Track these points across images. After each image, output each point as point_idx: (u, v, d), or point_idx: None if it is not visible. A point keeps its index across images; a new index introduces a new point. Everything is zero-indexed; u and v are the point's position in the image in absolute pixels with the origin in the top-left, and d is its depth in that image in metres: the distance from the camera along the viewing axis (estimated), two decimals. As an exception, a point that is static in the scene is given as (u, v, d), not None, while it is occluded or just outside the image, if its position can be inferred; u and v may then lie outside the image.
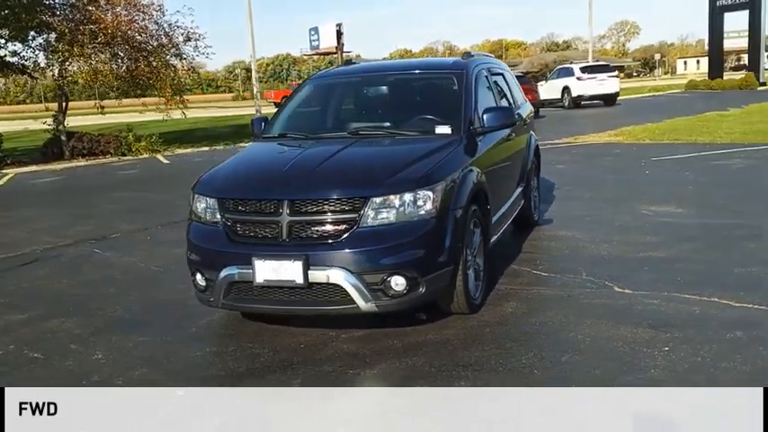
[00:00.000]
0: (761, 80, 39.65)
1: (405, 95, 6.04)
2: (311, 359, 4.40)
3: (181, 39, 20.92)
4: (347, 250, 4.28)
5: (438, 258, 4.44)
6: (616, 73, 31.67)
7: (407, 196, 4.36)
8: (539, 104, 25.72)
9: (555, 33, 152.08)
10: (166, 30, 20.63)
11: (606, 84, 29.57)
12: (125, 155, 20.57)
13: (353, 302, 4.30)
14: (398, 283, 4.30)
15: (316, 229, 4.36)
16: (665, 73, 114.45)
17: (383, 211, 4.33)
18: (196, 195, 4.86)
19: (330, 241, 4.34)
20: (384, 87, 6.15)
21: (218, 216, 4.63)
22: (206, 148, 22.01)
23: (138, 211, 10.66)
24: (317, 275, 4.28)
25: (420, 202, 4.38)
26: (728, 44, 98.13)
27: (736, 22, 41.85)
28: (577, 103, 29.85)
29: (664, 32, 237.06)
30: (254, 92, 27.77)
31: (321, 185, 4.47)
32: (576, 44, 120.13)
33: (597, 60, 39.64)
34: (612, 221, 7.69)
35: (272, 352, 4.55)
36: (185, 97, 22.39)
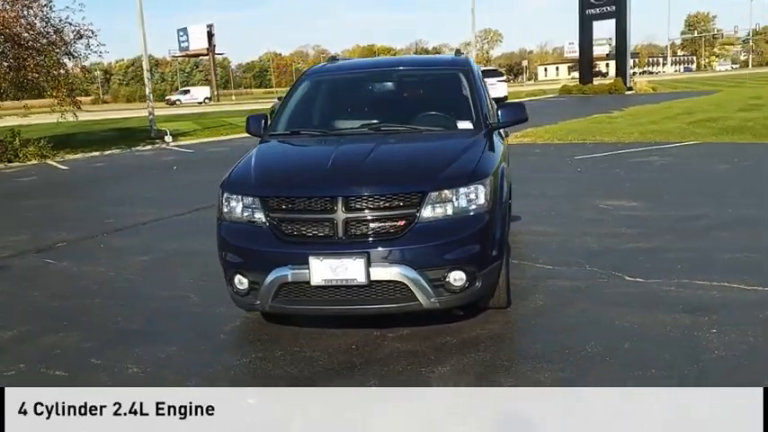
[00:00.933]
0: (628, 85, 42.42)
1: (413, 91, 6.02)
2: (373, 359, 4.29)
3: (71, 36, 19.68)
4: (409, 246, 4.20)
5: (492, 252, 4.45)
6: (505, 77, 32.90)
7: (462, 190, 4.34)
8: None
9: (422, 40, 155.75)
10: (56, 26, 19.34)
11: (497, 88, 30.67)
12: (11, 161, 19.14)
13: (416, 299, 4.23)
14: (459, 278, 4.27)
15: (373, 225, 4.25)
16: (529, 79, 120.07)
17: (439, 206, 4.28)
18: (229, 195, 4.61)
19: (389, 238, 4.24)
20: (390, 83, 6.06)
21: (261, 215, 4.41)
22: (96, 153, 20.93)
23: (67, 220, 9.98)
24: (379, 273, 4.17)
25: (473, 196, 4.36)
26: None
27: (595, 31, 44.37)
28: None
29: (524, 40, 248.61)
30: (147, 93, 26.52)
31: (375, 181, 4.36)
32: (444, 50, 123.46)
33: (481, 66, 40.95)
34: (579, 216, 7.98)
35: (326, 354, 4.40)
36: (78, 99, 21.09)
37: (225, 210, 4.63)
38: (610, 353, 4.16)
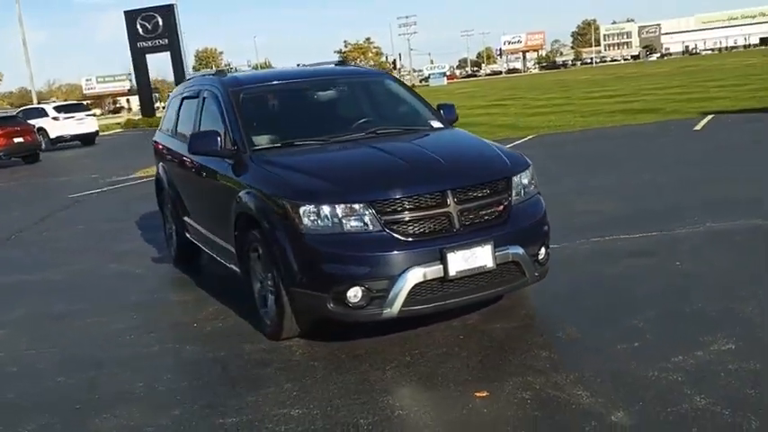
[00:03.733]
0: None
1: (363, 97, 6.11)
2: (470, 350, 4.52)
3: None
4: (515, 228, 4.57)
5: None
6: (92, 112, 31.03)
7: (526, 174, 4.86)
8: (39, 146, 23.77)
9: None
10: None
11: (86, 123, 28.83)
12: None
13: (525, 276, 4.60)
14: (544, 252, 4.79)
15: (482, 213, 4.49)
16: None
17: (516, 190, 4.73)
18: (316, 205, 4.30)
19: (498, 222, 4.54)
20: (334, 91, 6.06)
21: (371, 219, 4.27)
22: None
23: None
24: (502, 256, 4.45)
25: (532, 179, 4.91)
26: (109, 87, 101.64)
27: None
28: (55, 143, 28.28)
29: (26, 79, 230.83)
30: None
31: (471, 172, 4.60)
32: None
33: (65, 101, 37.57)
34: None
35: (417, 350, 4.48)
36: None
37: (308, 221, 4.30)
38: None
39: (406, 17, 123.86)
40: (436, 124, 5.68)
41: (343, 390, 3.99)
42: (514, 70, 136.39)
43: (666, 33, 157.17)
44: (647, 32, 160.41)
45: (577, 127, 17.81)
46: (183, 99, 6.96)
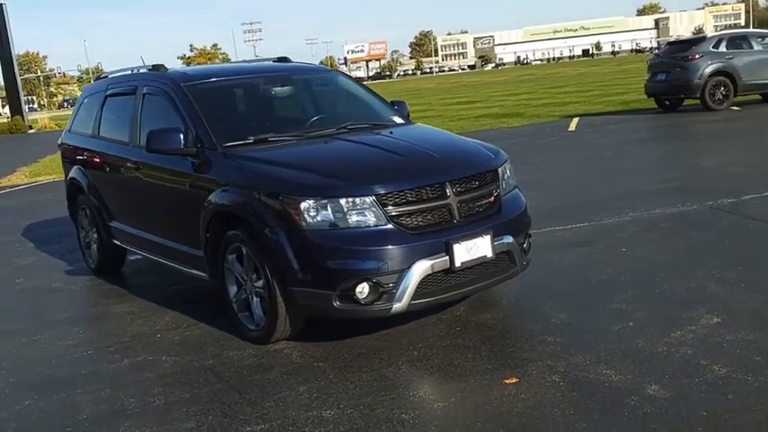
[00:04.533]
0: (28, 123, 40.47)
1: (321, 93, 5.98)
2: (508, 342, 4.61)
3: None
4: (506, 218, 4.66)
5: None
6: None
7: (506, 167, 4.98)
8: None
9: None
10: None
11: None
12: None
13: (515, 265, 4.70)
14: (527, 243, 4.93)
15: (476, 204, 4.54)
16: None
17: (501, 182, 4.84)
18: (319, 200, 4.17)
19: (491, 213, 4.62)
20: (289, 87, 5.87)
21: (376, 213, 4.20)
22: None
23: None
24: (499, 246, 4.52)
25: (510, 172, 5.03)
26: None
27: None
28: None
29: None
30: None
31: (463, 165, 4.62)
32: None
33: None
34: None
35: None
36: None
37: (310, 217, 4.17)
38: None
39: (251, 23, 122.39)
40: (398, 119, 5.66)
41: (365, 388, 3.88)
42: (359, 79, 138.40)
43: (499, 44, 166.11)
44: (481, 43, 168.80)
45: (455, 130, 18.34)
46: (107, 97, 6.48)
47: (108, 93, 6.49)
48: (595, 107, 20.60)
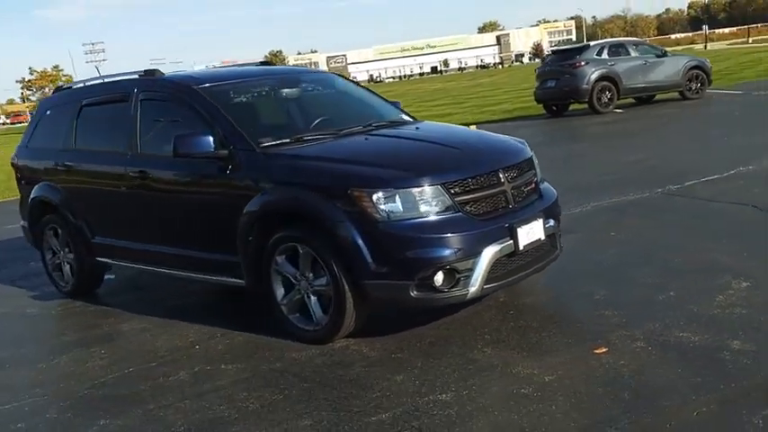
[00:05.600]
0: None
1: (330, 93, 5.97)
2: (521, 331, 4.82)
3: None
4: (548, 204, 4.89)
5: None
6: None
7: (535, 156, 5.22)
8: None
9: None
10: None
11: None
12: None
13: (556, 249, 4.95)
14: (559, 229, 5.18)
15: (524, 189, 4.75)
16: None
17: (537, 170, 5.07)
18: (388, 192, 4.19)
19: (535, 198, 4.85)
20: (299, 88, 5.79)
21: (445, 201, 4.28)
22: None
23: None
24: (547, 229, 4.76)
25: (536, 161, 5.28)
26: None
27: None
28: None
29: None
30: None
31: (507, 153, 4.81)
32: None
33: None
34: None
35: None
36: None
37: (384, 208, 4.21)
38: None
39: (92, 44, 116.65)
40: (407, 117, 5.77)
41: (463, 371, 3.95)
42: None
43: (352, 63, 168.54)
44: (335, 62, 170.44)
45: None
46: (84, 107, 6.14)
47: (85, 102, 6.14)
48: (482, 116, 21.41)
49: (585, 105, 17.82)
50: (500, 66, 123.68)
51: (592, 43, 19.12)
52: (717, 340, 3.94)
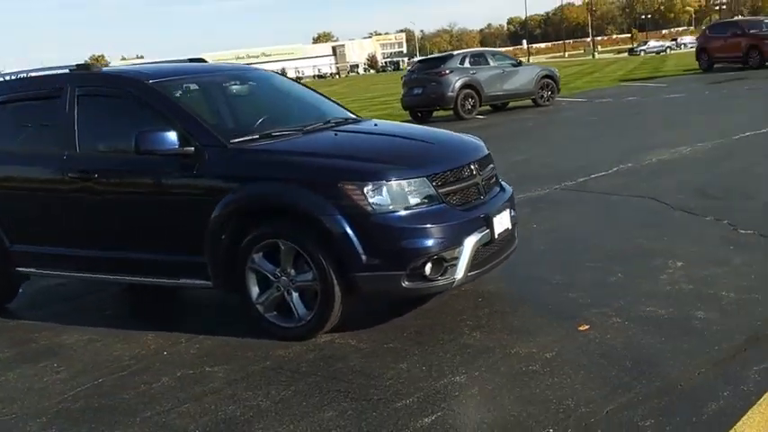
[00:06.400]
0: None
1: (277, 90, 5.89)
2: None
3: None
4: (509, 195, 5.17)
5: None
6: None
7: None
8: None
9: None
10: None
11: None
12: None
13: (515, 238, 5.24)
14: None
15: (490, 182, 5.00)
16: None
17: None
18: (378, 184, 4.25)
19: (498, 190, 5.11)
20: (247, 85, 5.69)
21: (430, 192, 4.40)
22: None
23: None
24: (512, 219, 5.02)
25: None
26: None
27: None
28: None
29: None
30: None
31: (471, 148, 5.02)
32: None
33: None
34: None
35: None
36: None
37: (376, 200, 4.28)
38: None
39: None
40: (355, 116, 5.84)
41: (462, 355, 4.10)
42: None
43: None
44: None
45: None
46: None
47: (1, 100, 5.67)
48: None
49: (449, 112, 18.57)
50: (337, 76, 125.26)
51: (455, 53, 20.04)
52: (682, 312, 4.36)
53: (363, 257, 4.24)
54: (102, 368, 4.50)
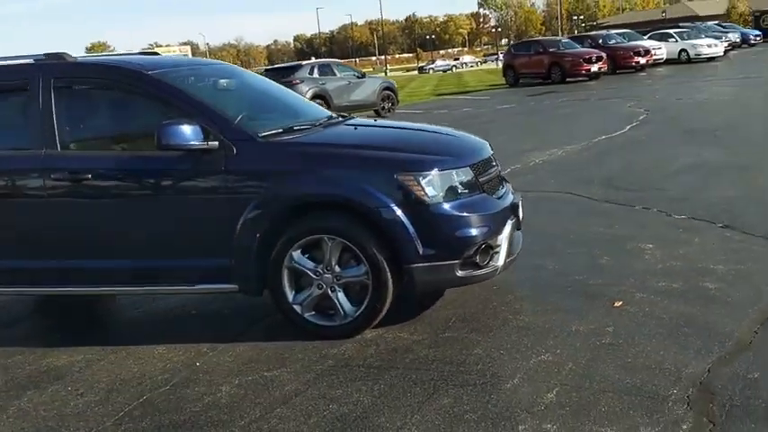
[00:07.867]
0: None
1: (261, 86, 5.58)
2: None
3: None
4: (510, 186, 5.42)
5: None
6: None
7: None
8: None
9: None
10: None
11: None
12: None
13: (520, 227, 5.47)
14: None
15: (500, 174, 5.21)
16: None
17: None
18: (432, 174, 4.28)
19: (505, 181, 5.32)
20: (235, 80, 5.36)
21: (472, 182, 4.53)
22: None
23: None
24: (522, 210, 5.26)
25: None
26: None
27: None
28: None
29: None
30: None
31: (482, 143, 5.19)
32: None
33: None
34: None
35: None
36: None
37: (432, 191, 4.29)
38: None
39: None
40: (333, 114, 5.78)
41: (529, 336, 4.21)
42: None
43: None
44: None
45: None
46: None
47: None
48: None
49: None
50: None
51: (303, 63, 20.04)
52: (692, 284, 4.80)
53: (420, 248, 4.22)
54: (133, 385, 4.07)
